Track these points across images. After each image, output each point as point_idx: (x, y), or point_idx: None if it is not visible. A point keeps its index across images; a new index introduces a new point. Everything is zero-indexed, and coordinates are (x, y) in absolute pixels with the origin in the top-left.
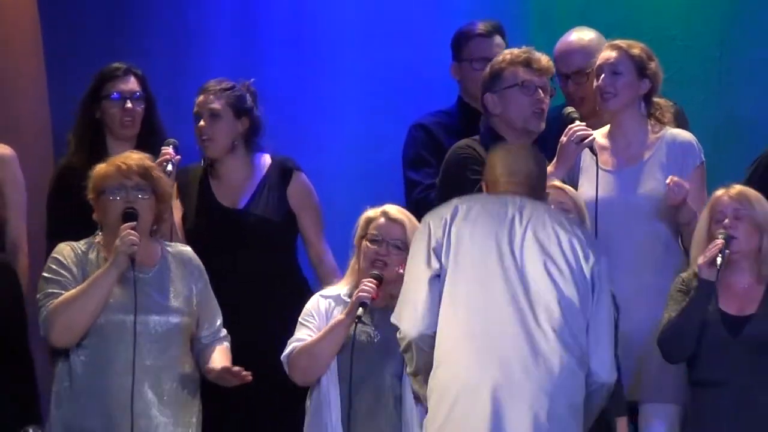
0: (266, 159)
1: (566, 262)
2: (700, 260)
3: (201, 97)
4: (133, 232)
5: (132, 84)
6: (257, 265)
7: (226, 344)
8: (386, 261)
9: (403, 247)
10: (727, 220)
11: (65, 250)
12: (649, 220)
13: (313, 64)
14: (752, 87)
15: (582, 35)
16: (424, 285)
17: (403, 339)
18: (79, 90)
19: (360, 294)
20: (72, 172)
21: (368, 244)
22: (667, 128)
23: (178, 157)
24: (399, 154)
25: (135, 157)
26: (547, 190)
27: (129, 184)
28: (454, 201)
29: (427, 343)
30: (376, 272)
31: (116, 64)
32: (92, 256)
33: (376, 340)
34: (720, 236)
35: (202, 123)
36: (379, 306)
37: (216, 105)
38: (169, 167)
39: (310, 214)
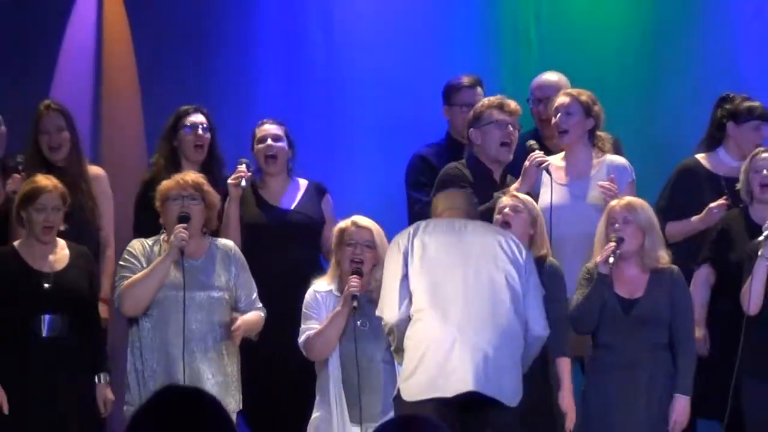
0: (302, 181)
1: (507, 256)
2: (598, 258)
3: (266, 126)
4: (184, 230)
5: (200, 118)
6: (300, 257)
7: (261, 314)
8: (362, 258)
9: (372, 246)
10: (617, 225)
11: (136, 245)
12: (591, 222)
13: (342, 107)
14: (673, 123)
15: (553, 75)
16: (397, 284)
17: (386, 325)
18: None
19: (351, 290)
20: (154, 185)
21: (346, 248)
22: (607, 155)
23: (249, 173)
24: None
25: (191, 175)
26: (505, 196)
27: (185, 194)
28: (418, 223)
29: (404, 325)
30: (356, 268)
31: (187, 106)
32: (156, 248)
33: (365, 328)
34: (613, 239)
35: (270, 142)
36: (365, 293)
37: (279, 132)
38: (243, 183)
39: (332, 226)
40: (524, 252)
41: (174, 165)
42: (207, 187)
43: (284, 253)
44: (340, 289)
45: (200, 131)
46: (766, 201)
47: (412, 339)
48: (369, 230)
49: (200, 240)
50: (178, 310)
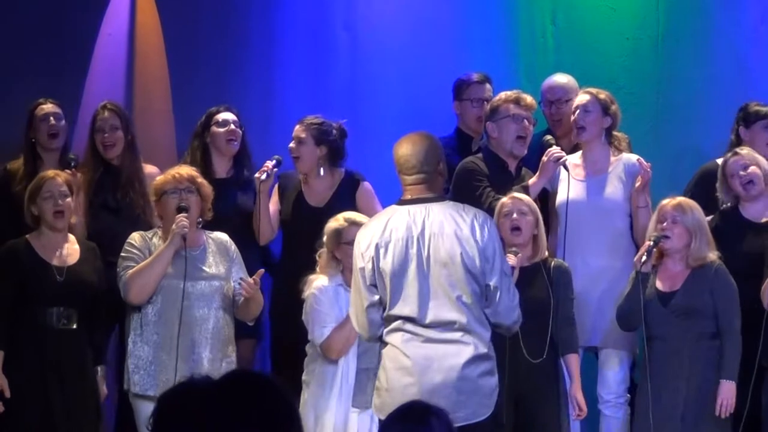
0: (341, 172)
1: (461, 256)
2: (636, 258)
3: (297, 127)
4: (185, 219)
5: (231, 116)
6: None
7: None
8: None
9: None
10: (666, 222)
11: (135, 236)
12: (609, 217)
13: (363, 103)
14: (680, 122)
15: (562, 77)
16: (365, 309)
17: (360, 336)
18: (196, 122)
19: None
20: None
21: (347, 246)
22: (624, 154)
23: (275, 169)
24: None
25: (185, 169)
26: (508, 200)
27: (181, 187)
28: (376, 233)
29: (374, 339)
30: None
31: (218, 106)
32: (155, 240)
33: None
34: (652, 238)
35: (292, 144)
36: None
37: (302, 134)
38: (264, 177)
39: (372, 215)
40: (487, 232)
41: (205, 161)
42: (201, 179)
43: (313, 253)
44: (348, 283)
45: (233, 126)
46: (754, 197)
47: (384, 353)
48: None
49: (196, 233)
50: (180, 299)
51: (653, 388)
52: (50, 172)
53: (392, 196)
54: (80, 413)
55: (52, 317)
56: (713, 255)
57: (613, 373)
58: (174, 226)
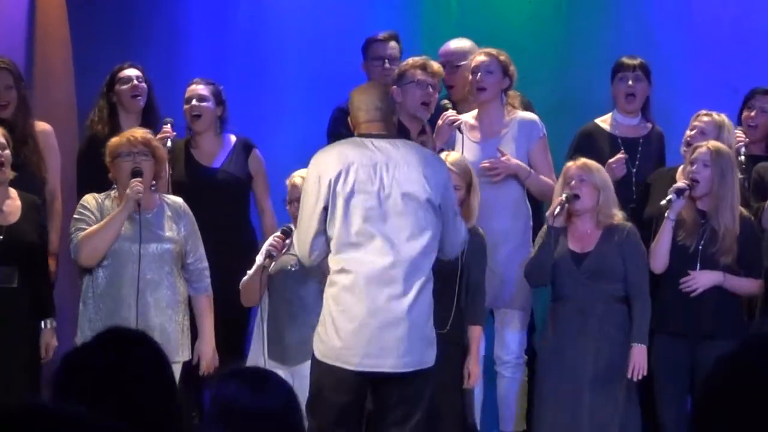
0: (232, 137)
1: (423, 190)
2: (548, 213)
3: (192, 86)
4: (139, 184)
5: (135, 71)
6: (225, 211)
7: (207, 296)
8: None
9: None
10: (573, 182)
11: (89, 199)
12: (505, 179)
13: (267, 64)
14: (580, 81)
15: (460, 42)
16: (312, 232)
17: (301, 262)
18: (97, 81)
19: (268, 247)
20: (96, 141)
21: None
22: (518, 112)
23: (175, 133)
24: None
25: (139, 132)
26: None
27: (135, 150)
28: (335, 158)
29: (315, 266)
30: (285, 227)
31: (121, 63)
32: (108, 203)
33: (293, 269)
34: (564, 195)
35: (194, 102)
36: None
37: (204, 92)
38: (168, 143)
39: (262, 180)
40: (444, 170)
41: (112, 120)
42: (155, 142)
43: (209, 211)
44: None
45: (135, 82)
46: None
47: (331, 290)
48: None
49: (150, 195)
50: (132, 261)
51: (558, 348)
52: None
53: (293, 158)
54: (13, 370)
55: None
56: (620, 213)
57: (512, 334)
58: (128, 191)
